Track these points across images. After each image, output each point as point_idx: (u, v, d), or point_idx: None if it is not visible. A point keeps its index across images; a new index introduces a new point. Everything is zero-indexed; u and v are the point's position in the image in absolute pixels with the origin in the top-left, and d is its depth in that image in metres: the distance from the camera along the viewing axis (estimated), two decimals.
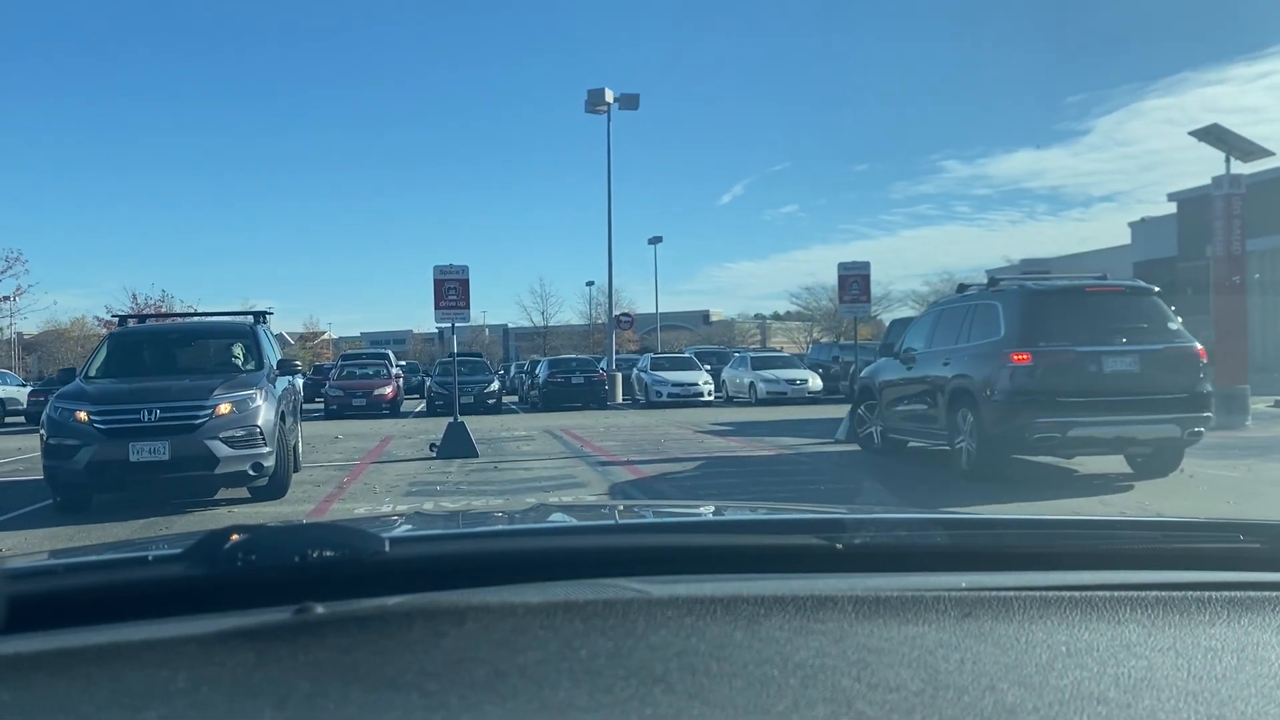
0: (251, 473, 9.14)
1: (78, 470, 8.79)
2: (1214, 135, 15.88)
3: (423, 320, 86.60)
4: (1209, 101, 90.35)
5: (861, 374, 14.03)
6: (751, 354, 31.37)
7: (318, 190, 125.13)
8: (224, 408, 9.08)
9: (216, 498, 9.66)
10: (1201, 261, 25.73)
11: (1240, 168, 16.27)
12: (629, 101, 34.21)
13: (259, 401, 9.33)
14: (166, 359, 10.83)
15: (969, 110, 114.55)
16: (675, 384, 27.36)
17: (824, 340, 47.76)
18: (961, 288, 11.79)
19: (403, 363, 42.41)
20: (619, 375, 31.21)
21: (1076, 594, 0.94)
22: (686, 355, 32.90)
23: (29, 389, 27.18)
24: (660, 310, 61.81)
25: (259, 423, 9.17)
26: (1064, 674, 0.79)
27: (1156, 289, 10.26)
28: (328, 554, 1.01)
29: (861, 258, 21.18)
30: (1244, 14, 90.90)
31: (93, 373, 10.25)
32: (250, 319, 11.67)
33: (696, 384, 27.41)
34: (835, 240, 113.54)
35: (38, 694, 0.71)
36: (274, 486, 9.52)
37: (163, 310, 41.71)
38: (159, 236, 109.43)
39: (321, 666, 0.74)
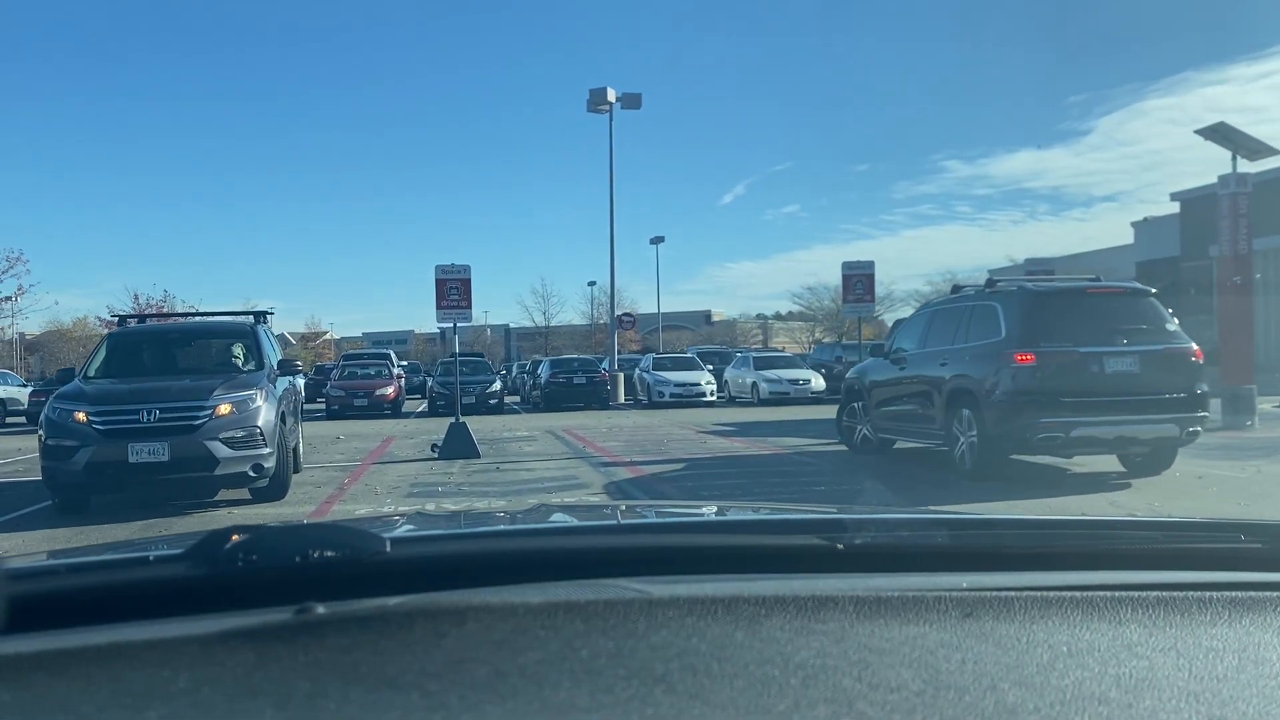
0: (252, 474, 9.10)
1: (76, 471, 8.74)
2: (1220, 134, 15.86)
3: (424, 320, 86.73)
4: (1211, 101, 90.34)
5: (848, 374, 14.17)
6: (754, 354, 31.36)
7: (319, 190, 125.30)
8: (224, 408, 9.04)
9: (216, 499, 9.63)
10: (1205, 261, 25.72)
11: (1246, 166, 16.25)
12: (631, 101, 34.22)
13: (259, 402, 9.29)
14: (166, 359, 10.79)
15: (970, 110, 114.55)
16: (677, 384, 27.35)
17: (826, 340, 47.79)
18: (956, 289, 11.87)
19: (404, 363, 42.44)
20: (621, 375, 31.20)
21: (1078, 594, 0.94)
22: (689, 355, 32.86)
23: (30, 389, 27.20)
24: (662, 310, 61.88)
25: (259, 423, 9.13)
26: (1065, 674, 0.79)
27: (1154, 290, 10.40)
28: (328, 554, 1.01)
29: (863, 257, 21.21)
30: (1246, 14, 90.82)
31: (92, 373, 10.19)
32: (251, 319, 11.63)
33: (699, 384, 27.40)
34: (837, 240, 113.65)
35: (38, 694, 0.71)
36: (274, 488, 9.48)
37: (164, 310, 41.75)
38: (161, 237, 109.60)
39: (322, 667, 0.74)
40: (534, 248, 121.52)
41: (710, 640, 0.79)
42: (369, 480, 11.38)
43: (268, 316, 11.94)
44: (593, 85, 34.68)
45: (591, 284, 70.36)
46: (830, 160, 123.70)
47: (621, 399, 30.22)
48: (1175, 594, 0.97)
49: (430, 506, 9.24)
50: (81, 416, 8.89)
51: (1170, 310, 10.24)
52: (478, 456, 13.31)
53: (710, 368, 29.43)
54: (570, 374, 28.15)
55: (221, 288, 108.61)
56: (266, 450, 9.13)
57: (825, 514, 1.68)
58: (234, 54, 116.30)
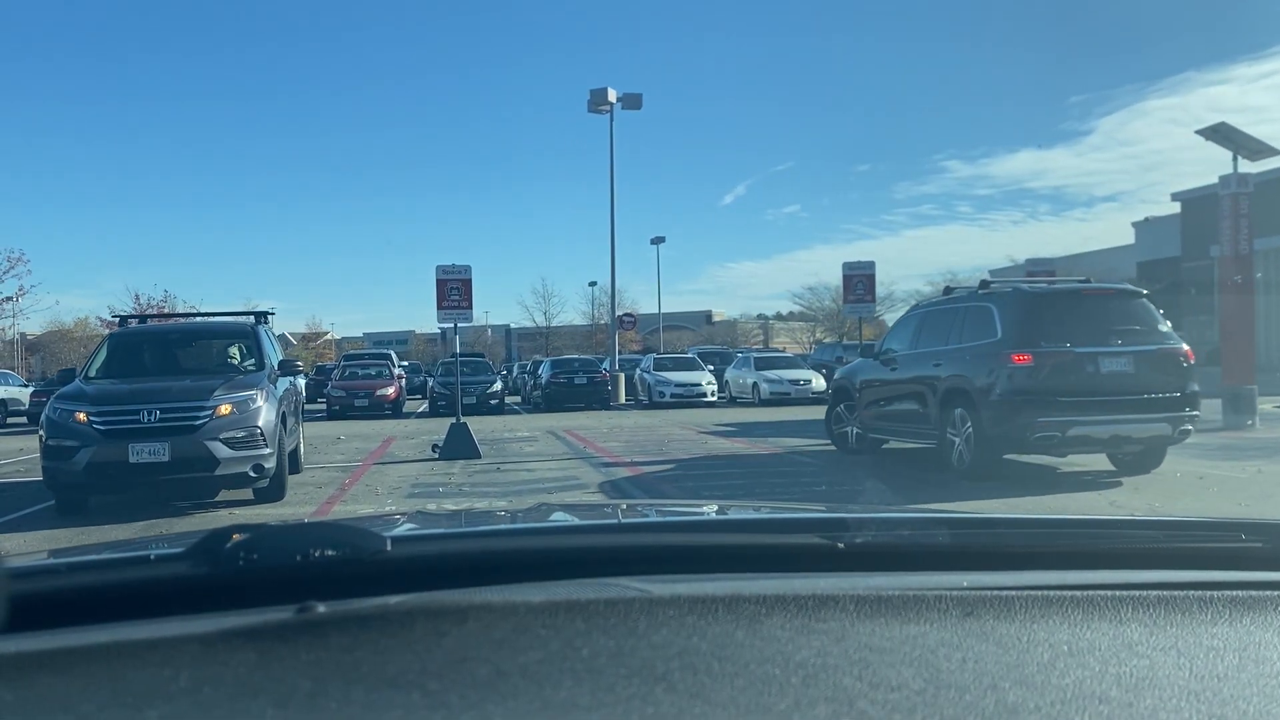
0: (252, 474, 9.08)
1: (77, 472, 8.72)
2: (1222, 134, 15.85)
3: (425, 320, 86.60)
4: (1212, 101, 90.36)
5: (836, 375, 14.27)
6: (755, 354, 31.35)
7: (320, 190, 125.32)
8: (224, 408, 9.02)
9: (216, 500, 9.62)
10: (1206, 261, 25.72)
11: (1247, 167, 16.24)
12: (632, 101, 34.18)
13: (260, 402, 9.27)
14: (167, 359, 10.77)
15: (971, 110, 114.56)
16: (678, 384, 27.34)
17: (827, 340, 47.78)
18: (948, 290, 11.98)
19: (405, 363, 42.44)
20: (622, 376, 31.19)
21: (1078, 593, 0.94)
22: (689, 355, 32.85)
23: (31, 389, 27.22)
24: (663, 310, 61.85)
25: (260, 424, 9.11)
26: (1066, 673, 0.79)
27: (1145, 291, 10.58)
28: (329, 553, 1.01)
29: (864, 258, 21.22)
30: (1247, 14, 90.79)
31: (92, 373, 10.17)
32: (251, 319, 11.61)
33: (699, 384, 27.39)
34: (838, 240, 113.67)
35: (39, 693, 0.71)
36: (271, 488, 9.47)
37: (165, 310, 41.76)
38: (162, 237, 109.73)
39: (323, 666, 0.74)
40: (535, 248, 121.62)
41: (711, 639, 0.79)
42: (370, 480, 11.37)
43: (268, 317, 11.93)
44: (593, 85, 34.68)
45: (592, 284, 70.45)
46: (831, 160, 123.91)
47: (622, 399, 30.21)
48: (1176, 593, 0.97)
49: (431, 506, 9.24)
50: (82, 417, 8.87)
51: (1161, 311, 10.37)
52: (478, 457, 13.31)
53: (711, 368, 29.42)
54: (571, 374, 28.15)
55: (222, 288, 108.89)
56: (267, 450, 9.11)
57: (826, 513, 1.68)
58: (235, 54, 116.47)
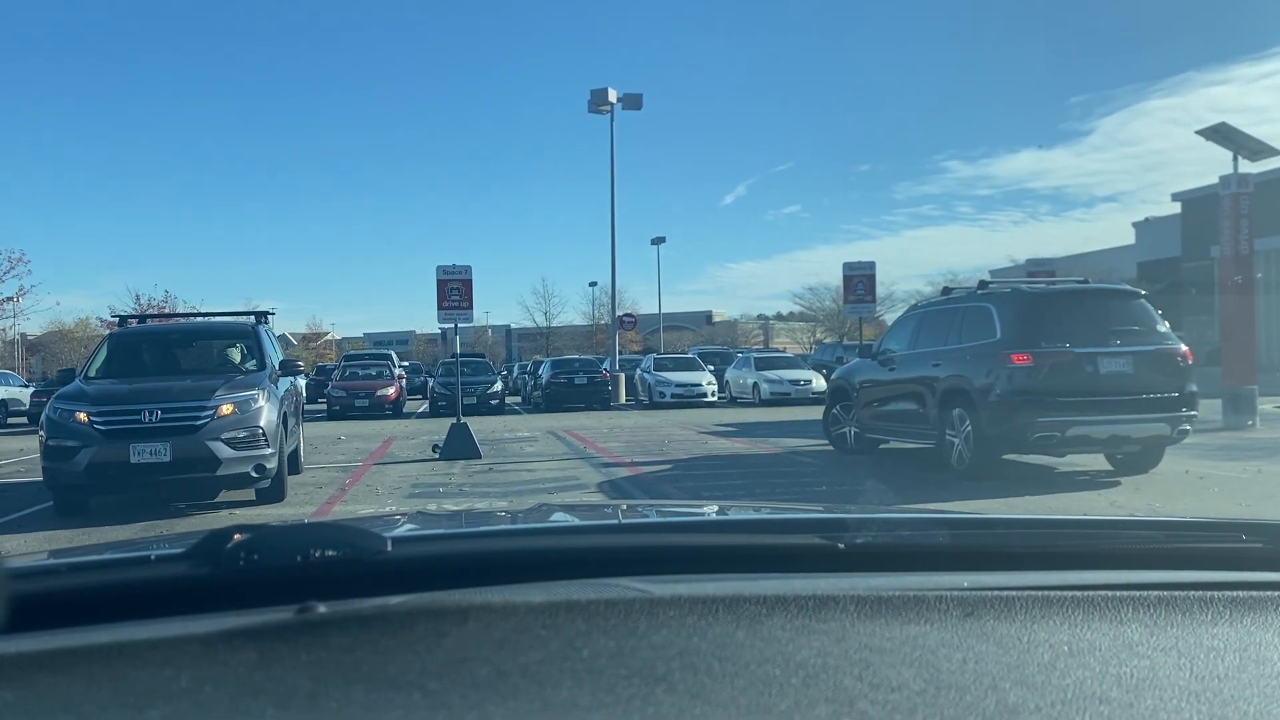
0: (254, 474, 9.04)
1: (77, 472, 8.67)
2: (1222, 134, 15.85)
3: (426, 321, 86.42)
4: (1212, 101, 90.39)
5: (834, 375, 14.30)
6: (755, 354, 31.33)
7: (320, 190, 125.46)
8: (226, 408, 8.98)
9: (216, 500, 9.59)
10: (1206, 261, 25.71)
11: (1247, 167, 16.24)
12: (632, 101, 34.18)
13: (261, 402, 9.24)
14: (167, 359, 10.73)
15: (972, 110, 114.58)
16: (678, 385, 27.33)
17: (828, 341, 47.77)
18: (946, 290, 11.99)
19: (405, 363, 42.44)
20: (622, 376, 31.18)
21: (1079, 594, 0.94)
22: (690, 356, 32.83)
23: (31, 390, 27.22)
24: (663, 311, 61.83)
25: (261, 424, 9.08)
26: (1066, 674, 0.79)
27: (1144, 292, 10.61)
28: (330, 553, 1.01)
29: (864, 258, 21.22)
30: (1247, 14, 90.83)
31: (92, 373, 10.12)
32: (251, 319, 11.59)
33: (700, 385, 27.38)
34: (838, 240, 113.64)
35: (41, 693, 0.71)
36: (271, 489, 9.43)
37: (166, 310, 41.76)
38: (162, 237, 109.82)
39: (324, 666, 0.74)
40: (535, 248, 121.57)
41: (711, 640, 0.79)
42: (370, 481, 11.37)
43: (269, 317, 11.90)
44: (594, 86, 34.70)
45: (593, 284, 70.48)
46: (832, 160, 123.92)
47: (622, 399, 30.21)
48: (1176, 593, 0.97)
49: (431, 506, 9.23)
50: (83, 417, 8.82)
51: (1160, 311, 10.38)
52: (479, 457, 13.31)
53: (711, 368, 29.41)
54: (571, 374, 28.14)
55: (223, 288, 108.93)
56: (269, 451, 9.08)
57: (826, 513, 1.68)
58: (235, 54, 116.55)
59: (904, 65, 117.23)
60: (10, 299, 40.16)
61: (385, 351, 35.53)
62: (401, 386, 28.90)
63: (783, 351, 40.58)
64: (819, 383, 26.75)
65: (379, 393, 26.26)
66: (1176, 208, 31.36)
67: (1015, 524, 1.53)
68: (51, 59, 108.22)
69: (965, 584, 1.05)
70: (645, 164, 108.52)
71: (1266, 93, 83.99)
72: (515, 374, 41.60)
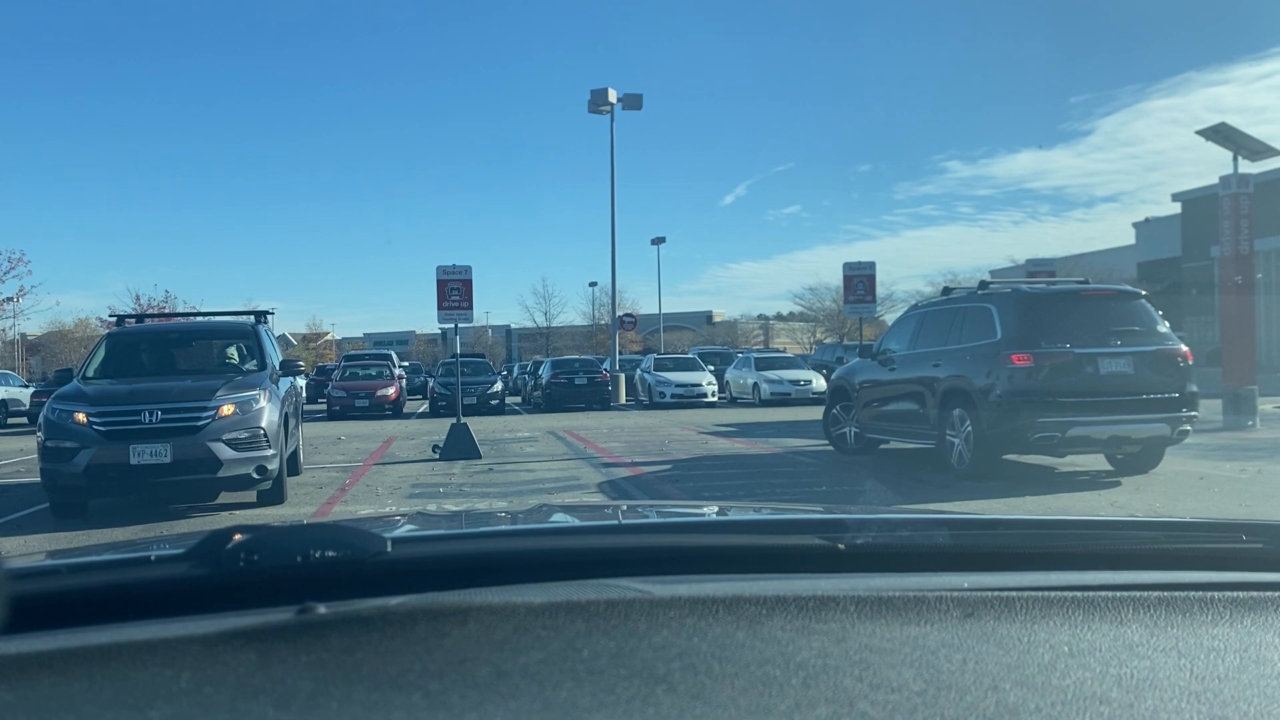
0: (255, 476, 8.92)
1: (76, 474, 8.53)
2: (1222, 134, 15.85)
3: (426, 321, 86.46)
4: (1213, 102, 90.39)
5: (834, 375, 14.29)
6: (755, 354, 31.32)
7: (321, 191, 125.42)
8: (227, 409, 8.88)
9: (216, 502, 9.53)
10: (1206, 262, 25.70)
11: (1248, 167, 16.24)
12: (632, 102, 34.21)
13: (263, 403, 9.15)
14: (166, 359, 10.61)
15: (972, 110, 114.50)
16: (679, 385, 27.33)
17: (828, 341, 47.79)
18: (946, 290, 11.99)
19: (406, 363, 42.44)
20: (622, 376, 31.21)
21: (1079, 594, 0.94)
22: (690, 356, 32.82)
23: (31, 390, 27.22)
24: (663, 311, 61.85)
25: (263, 424, 8.99)
26: (1066, 674, 0.79)
27: (1144, 292, 10.59)
28: (330, 554, 1.01)
29: (865, 258, 21.23)
30: (1248, 14, 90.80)
31: (90, 373, 9.98)
32: (251, 319, 11.48)
33: (700, 385, 27.38)
34: (838, 240, 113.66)
35: (42, 694, 0.71)
36: (272, 491, 9.33)
37: (165, 310, 41.76)
38: (163, 238, 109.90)
39: (324, 666, 0.74)
40: (535, 248, 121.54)
41: (712, 640, 0.79)
42: (370, 481, 11.37)
43: (268, 316, 11.81)
44: (594, 86, 34.74)
45: (593, 284, 70.53)
46: (832, 160, 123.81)
47: (623, 400, 30.22)
48: (1177, 594, 0.97)
49: (431, 507, 9.23)
50: (82, 417, 8.69)
51: (1161, 312, 10.39)
52: (479, 457, 13.31)
53: (711, 368, 29.42)
54: (571, 375, 28.15)
55: (223, 289, 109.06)
56: (270, 452, 8.99)
57: (826, 514, 1.68)
58: (237, 56, 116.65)
59: (904, 65, 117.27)
60: (10, 299, 40.16)
61: (385, 352, 35.52)
62: (401, 387, 28.90)
63: (783, 352, 40.57)
64: (819, 383, 26.76)
65: (379, 393, 26.27)
66: (1177, 208, 31.34)
67: (1015, 524, 1.53)
68: (52, 59, 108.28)
69: (965, 584, 1.05)
70: (645, 164, 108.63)
71: (1266, 93, 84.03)
72: (515, 374, 41.61)
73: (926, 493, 9.36)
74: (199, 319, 13.63)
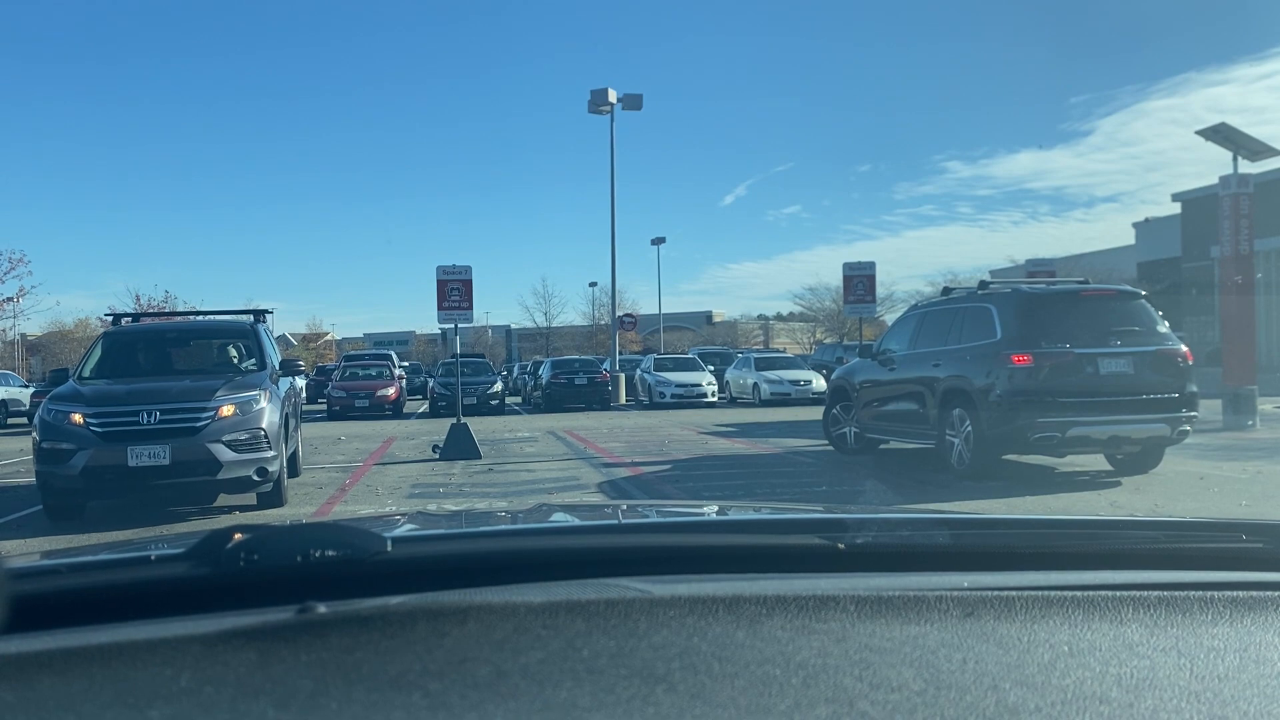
0: (256, 478, 8.74)
1: (73, 476, 8.35)
2: (1222, 134, 15.85)
3: (426, 321, 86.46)
4: (1213, 102, 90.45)
5: (834, 375, 14.30)
6: (755, 355, 31.33)
7: (321, 191, 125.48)
8: (227, 409, 8.71)
9: (215, 505, 9.41)
10: (1206, 262, 25.70)
11: (1247, 167, 16.24)
12: (632, 102, 34.20)
13: (263, 403, 8.99)
14: (164, 359, 10.42)
15: (972, 110, 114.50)
16: (679, 385, 27.33)
17: (828, 341, 47.80)
18: (946, 290, 11.99)
19: (406, 364, 42.44)
20: (622, 376, 31.20)
21: (1079, 594, 0.94)
22: (690, 356, 32.82)
23: (31, 390, 27.23)
24: (663, 311, 61.87)
25: (263, 425, 8.84)
26: (1066, 674, 0.79)
27: (1144, 292, 10.60)
28: (330, 553, 1.01)
29: (865, 258, 21.24)
30: (1248, 14, 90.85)
31: (87, 373, 9.79)
32: (250, 318, 11.26)
33: (700, 385, 27.38)
34: (838, 241, 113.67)
35: (42, 694, 0.71)
36: (272, 493, 9.16)
37: (164, 310, 41.75)
38: (163, 238, 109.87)
39: (324, 666, 0.74)
40: (535, 248, 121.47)
41: (712, 640, 0.79)
42: (370, 481, 11.37)
43: (267, 315, 11.61)
44: (594, 86, 34.74)
45: (593, 285, 70.57)
46: (832, 161, 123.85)
47: (623, 400, 30.22)
48: (1177, 594, 0.97)
49: (431, 507, 9.22)
50: (78, 418, 8.51)
51: (1161, 312, 10.40)
52: (479, 457, 13.31)
53: (711, 369, 29.42)
54: (571, 375, 28.15)
55: (224, 289, 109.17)
56: (271, 453, 8.84)
57: (826, 514, 1.68)
58: (237, 56, 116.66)
59: (904, 65, 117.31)
60: (10, 299, 40.19)
61: (385, 352, 35.54)
62: (401, 387, 28.91)
63: (783, 352, 40.58)
64: (819, 383, 26.77)
65: (379, 393, 26.27)
66: (1176, 208, 31.35)
67: (1015, 524, 1.53)
68: (52, 60, 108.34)
69: (965, 584, 1.05)
70: (645, 164, 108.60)
71: (1267, 93, 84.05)
72: (515, 374, 41.60)
73: (926, 493, 9.36)
74: (197, 318, 13.53)
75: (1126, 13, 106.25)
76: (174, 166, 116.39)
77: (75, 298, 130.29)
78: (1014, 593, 0.94)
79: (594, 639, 0.78)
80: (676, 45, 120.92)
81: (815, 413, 21.47)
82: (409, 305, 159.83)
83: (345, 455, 14.70)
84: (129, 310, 41.87)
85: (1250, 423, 15.30)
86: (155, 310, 41.00)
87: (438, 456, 13.43)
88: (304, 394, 14.93)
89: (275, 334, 12.77)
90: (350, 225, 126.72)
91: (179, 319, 15.58)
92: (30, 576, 1.07)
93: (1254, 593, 1.01)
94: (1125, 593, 0.96)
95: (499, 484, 10.82)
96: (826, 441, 13.41)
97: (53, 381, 9.82)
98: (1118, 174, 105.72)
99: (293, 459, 10.85)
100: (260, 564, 0.99)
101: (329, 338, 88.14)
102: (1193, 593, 0.98)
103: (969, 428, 9.96)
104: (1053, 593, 0.95)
